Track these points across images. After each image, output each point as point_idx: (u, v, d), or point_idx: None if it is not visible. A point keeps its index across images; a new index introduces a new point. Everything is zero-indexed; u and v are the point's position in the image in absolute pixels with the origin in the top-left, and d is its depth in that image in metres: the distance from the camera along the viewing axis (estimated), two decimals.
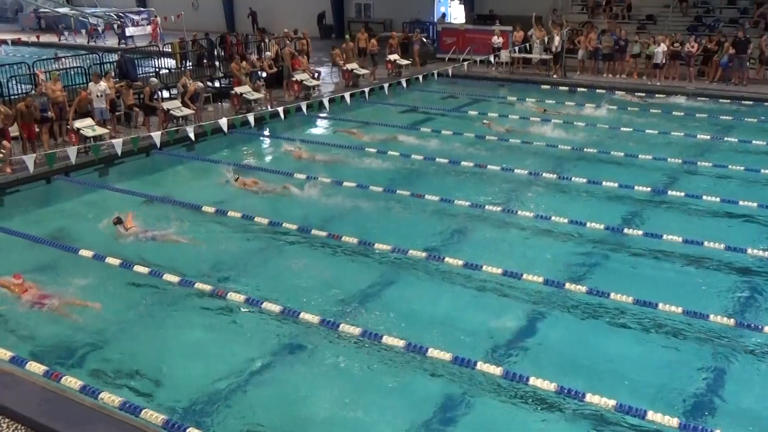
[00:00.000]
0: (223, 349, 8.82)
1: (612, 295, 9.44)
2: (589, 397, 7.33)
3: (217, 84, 22.64)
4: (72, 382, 7.66)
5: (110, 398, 7.36)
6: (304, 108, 17.71)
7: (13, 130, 15.47)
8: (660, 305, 9.15)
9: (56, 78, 17.24)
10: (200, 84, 19.58)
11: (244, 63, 21.29)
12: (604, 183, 14.05)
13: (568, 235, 11.90)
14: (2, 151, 14.39)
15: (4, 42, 35.25)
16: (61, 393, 7.43)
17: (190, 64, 24.58)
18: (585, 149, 16.75)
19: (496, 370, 7.87)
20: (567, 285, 9.85)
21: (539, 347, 8.78)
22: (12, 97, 17.56)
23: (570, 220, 12.09)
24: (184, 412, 7.50)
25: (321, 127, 19.70)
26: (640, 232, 11.64)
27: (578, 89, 23.93)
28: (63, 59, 22.83)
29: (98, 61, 21.52)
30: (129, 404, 7.26)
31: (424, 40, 28.82)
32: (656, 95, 22.77)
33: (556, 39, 25.09)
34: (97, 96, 16.70)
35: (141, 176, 15.33)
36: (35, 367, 7.97)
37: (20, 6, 45.86)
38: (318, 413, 7.59)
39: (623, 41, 24.70)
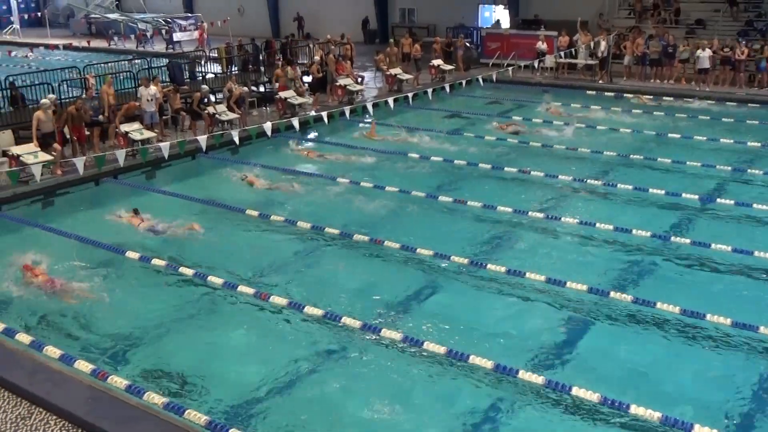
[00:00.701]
0: (265, 351, 8.91)
1: (658, 304, 9.29)
2: (634, 409, 7.20)
3: (261, 88, 22.88)
4: (118, 381, 7.80)
5: (155, 398, 7.47)
6: (347, 113, 17.80)
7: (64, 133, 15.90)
8: (708, 316, 8.98)
9: (110, 82, 17.65)
10: (245, 88, 19.83)
11: (288, 68, 21.50)
12: (650, 190, 13.84)
13: (614, 243, 11.74)
14: (53, 153, 14.76)
15: (56, 47, 36.16)
16: (107, 392, 7.57)
17: (236, 68, 24.92)
18: (631, 155, 16.51)
19: (538, 379, 7.80)
20: (612, 293, 9.70)
21: (582, 356, 8.67)
22: (63, 100, 17.99)
23: (615, 228, 11.92)
24: (226, 413, 7.58)
25: (363, 131, 19.76)
26: (688, 241, 11.44)
27: (624, 95, 23.59)
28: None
29: (147, 66, 21.97)
30: (173, 404, 7.36)
31: (468, 45, 28.71)
32: (705, 101, 22.34)
33: (602, 44, 24.80)
34: (147, 100, 17.08)
35: (187, 179, 15.59)
36: (83, 366, 8.11)
37: (72, 12, 47.06)
38: (358, 417, 7.61)
39: (671, 46, 24.28)
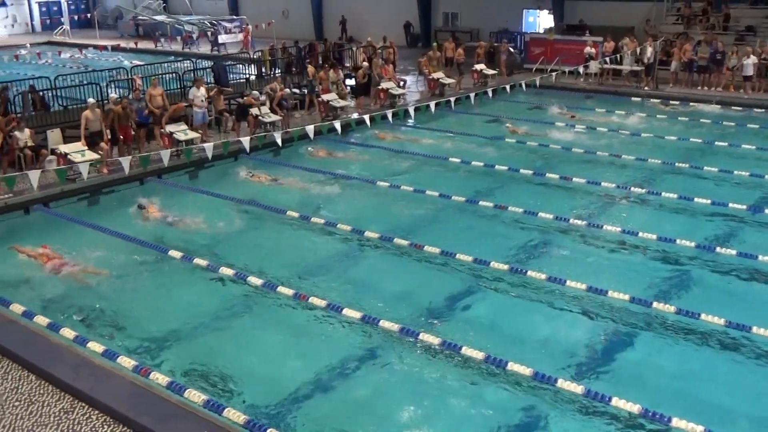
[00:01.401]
0: (302, 352, 8.97)
1: (702, 315, 9.13)
2: (676, 422, 7.09)
3: (305, 91, 23.05)
4: (159, 378, 7.92)
5: (195, 395, 7.57)
6: (389, 116, 17.85)
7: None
8: (754, 328, 8.80)
9: (155, 83, 18.00)
10: (287, 90, 20.00)
11: (331, 71, 21.64)
12: (695, 199, 13.60)
13: (657, 252, 11.57)
14: (100, 152, 15.08)
15: (104, 48, 36.98)
16: (148, 388, 7.71)
17: (279, 70, 25.16)
18: (676, 163, 16.25)
19: (578, 388, 7.72)
20: (655, 304, 9.56)
21: (623, 366, 8.57)
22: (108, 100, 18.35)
23: (659, 237, 11.75)
24: (264, 412, 7.65)
25: (405, 135, 19.82)
26: (734, 252, 11.21)
27: (670, 102, 23.24)
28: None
29: (192, 68, 22.31)
30: (212, 402, 7.45)
31: (511, 50, 28.58)
32: (755, 109, 21.88)
33: (649, 50, 24.45)
34: (201, 101, 17.45)
35: (229, 179, 15.77)
36: (125, 362, 8.28)
37: (120, 14, 48.05)
38: (394, 421, 7.62)
39: (720, 53, 23.83)
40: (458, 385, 8.16)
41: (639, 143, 18.40)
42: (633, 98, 23.85)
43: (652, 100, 23.55)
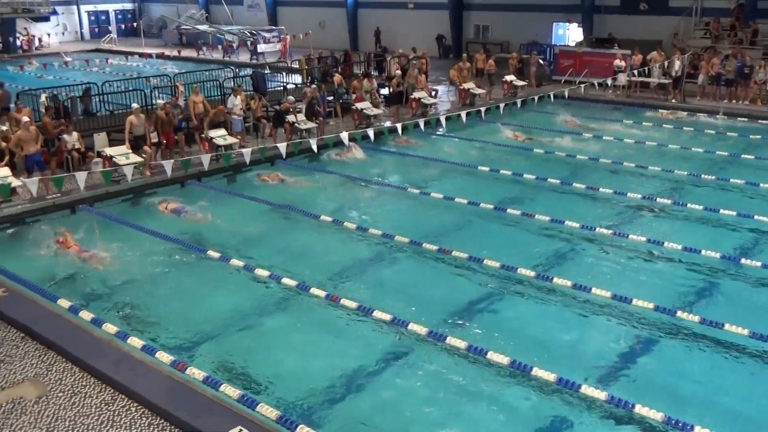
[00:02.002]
0: (334, 352, 9.18)
1: (726, 326, 9.17)
2: (699, 431, 7.13)
3: (330, 98, 23.41)
4: (196, 372, 8.19)
5: (230, 390, 7.82)
6: (421, 125, 18.12)
7: (154, 137, 16.74)
8: None
9: (197, 90, 18.52)
10: (317, 93, 20.31)
11: (365, 80, 22.02)
12: (721, 210, 13.63)
13: (682, 262, 11.63)
14: (143, 155, 15.58)
15: (149, 55, 37.84)
16: (185, 383, 7.96)
17: (316, 79, 25.60)
18: (702, 175, 16.23)
19: (601, 395, 7.80)
20: (679, 313, 9.64)
21: (646, 374, 8.64)
22: (154, 106, 18.90)
23: (684, 247, 11.80)
24: (295, 409, 7.85)
25: (436, 143, 20.07)
26: (758, 264, 11.23)
27: (697, 114, 23.18)
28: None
29: (232, 75, 22.85)
30: (246, 397, 7.69)
31: (541, 62, 28.73)
32: None
33: (677, 63, 24.39)
34: (241, 108, 18.03)
35: (266, 184, 16.12)
36: (164, 357, 8.56)
37: (164, 23, 49.11)
38: (421, 421, 7.78)
39: (748, 67, 23.71)
40: (483, 388, 8.28)
41: (665, 154, 18.39)
42: (660, 110, 23.78)
43: (679, 112, 23.49)
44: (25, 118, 15.33)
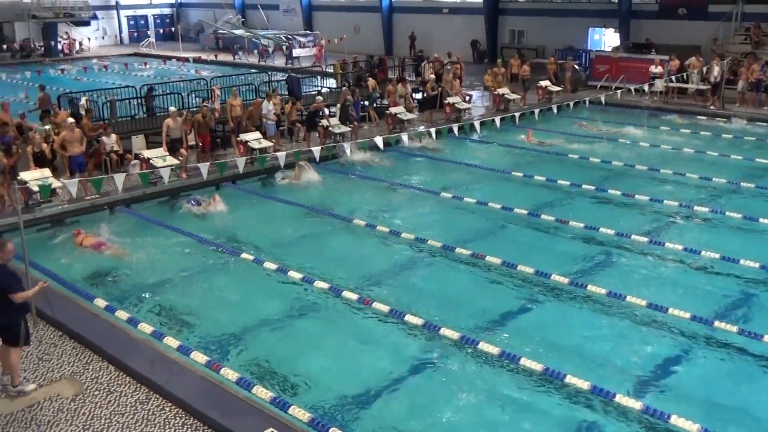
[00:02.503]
0: (365, 355, 9.22)
1: (765, 337, 9.01)
2: None
3: (366, 103, 23.49)
4: (230, 373, 8.26)
5: (262, 392, 7.88)
6: (455, 129, 18.10)
7: (190, 139, 16.98)
8: None
9: (235, 94, 18.71)
10: (350, 96, 20.42)
11: (399, 85, 22.05)
12: (760, 219, 13.38)
13: (720, 272, 11.45)
14: (179, 158, 15.79)
15: (186, 60, 38.33)
16: (218, 384, 8.03)
17: (350, 84, 25.70)
18: (741, 183, 15.97)
19: (636, 404, 7.73)
20: (716, 323, 9.50)
21: (682, 385, 8.54)
22: (191, 109, 19.11)
23: (722, 256, 11.62)
24: (326, 411, 7.88)
25: (470, 148, 20.02)
26: None
27: (736, 121, 22.80)
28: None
29: (267, 80, 23.05)
30: (278, 399, 7.75)
31: (576, 67, 28.49)
32: None
33: (716, 69, 24.00)
34: (275, 114, 18.25)
35: (299, 187, 16.22)
36: (198, 357, 8.66)
37: (202, 28, 49.76)
38: (450, 427, 7.76)
39: None
40: (515, 395, 8.25)
41: (703, 161, 18.13)
42: (698, 117, 23.44)
43: (717, 119, 23.12)
44: (70, 120, 15.64)
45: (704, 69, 24.50)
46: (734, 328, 9.35)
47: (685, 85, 25.15)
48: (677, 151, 19.15)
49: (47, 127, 16.08)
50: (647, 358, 9.08)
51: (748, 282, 11.11)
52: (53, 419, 7.60)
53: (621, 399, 7.82)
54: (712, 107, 24.13)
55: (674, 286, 11.11)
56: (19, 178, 13.09)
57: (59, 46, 45.43)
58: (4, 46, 44.52)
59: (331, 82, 26.86)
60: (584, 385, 8.05)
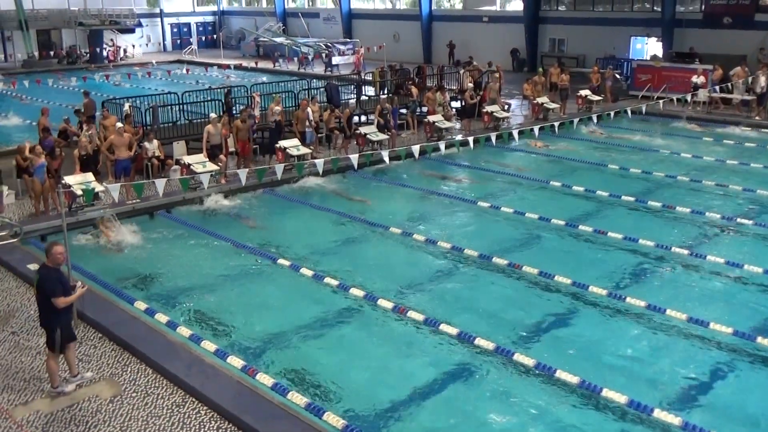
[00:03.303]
0: (399, 363, 9.18)
1: None
2: None
3: (404, 111, 23.49)
4: (265, 379, 8.34)
5: (297, 398, 7.93)
6: (493, 138, 18.02)
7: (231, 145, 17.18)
8: None
9: (278, 100, 18.91)
10: (387, 105, 20.47)
11: (438, 93, 22.04)
12: None
13: (763, 285, 11.18)
14: (219, 164, 15.98)
15: (227, 66, 38.85)
16: (254, 388, 8.10)
17: (389, 92, 25.78)
18: None
19: (675, 420, 7.60)
20: (759, 338, 9.29)
21: (723, 401, 8.36)
22: (231, 115, 19.37)
23: (765, 270, 11.37)
24: (360, 419, 7.87)
25: (508, 157, 19.92)
26: None
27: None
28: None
29: (307, 87, 23.24)
30: (313, 406, 7.78)
31: (617, 76, 28.15)
32: None
33: (762, 79, 23.48)
34: (313, 121, 18.39)
35: (336, 195, 16.34)
36: (235, 361, 8.75)
37: (243, 35, 50.47)
38: None
39: None
40: (551, 408, 8.16)
41: (747, 173, 17.76)
42: (743, 128, 22.94)
43: (762, 129, 22.63)
44: (119, 124, 15.96)
45: (749, 79, 24.01)
46: None
47: (729, 96, 24.67)
48: (719, 162, 18.80)
49: (93, 131, 16.39)
50: (688, 373, 8.90)
51: None
52: (92, 420, 7.73)
53: (659, 413, 7.70)
54: (757, 117, 23.61)
55: (716, 300, 10.89)
56: (63, 181, 13.36)
57: (104, 53, 46.39)
58: (51, 53, 45.62)
59: (370, 90, 26.95)
60: (621, 398, 7.94)
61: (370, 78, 27.65)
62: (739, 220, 14.04)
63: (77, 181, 13.82)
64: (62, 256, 8.10)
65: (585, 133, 22.24)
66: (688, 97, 23.85)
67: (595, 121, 21.46)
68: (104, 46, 46.73)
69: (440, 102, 21.82)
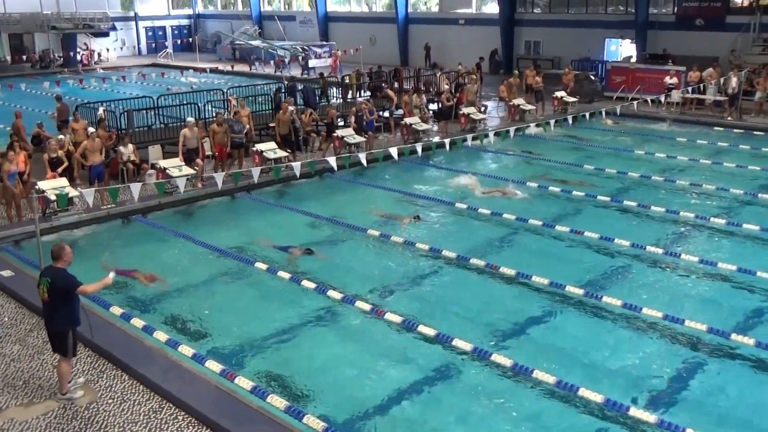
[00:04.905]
0: (378, 366, 9.17)
1: None
2: None
3: (387, 114, 23.57)
4: (243, 382, 8.28)
5: (277, 401, 7.88)
6: (469, 140, 18.10)
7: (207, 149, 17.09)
8: None
9: (242, 104, 18.84)
10: (363, 105, 20.47)
11: (415, 96, 22.10)
12: None
13: (736, 283, 11.33)
14: (195, 167, 15.89)
15: (203, 70, 38.63)
16: (232, 393, 8.04)
17: (366, 94, 25.80)
18: (759, 194, 15.80)
19: (651, 418, 7.66)
20: (733, 335, 9.39)
21: (697, 398, 8.43)
22: (207, 119, 19.27)
23: (739, 268, 11.51)
24: (340, 421, 7.86)
25: (484, 159, 20.02)
26: None
27: (754, 132, 22.63)
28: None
29: (283, 90, 23.16)
30: (293, 408, 7.74)
31: (592, 78, 28.40)
32: None
33: (733, 80, 23.86)
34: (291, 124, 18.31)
35: (314, 197, 16.29)
36: (213, 365, 8.68)
37: (219, 38, 50.21)
38: None
39: None
40: (527, 407, 8.19)
41: (720, 173, 17.99)
42: (715, 128, 23.29)
43: (734, 130, 22.96)
44: (91, 129, 15.79)
45: (722, 80, 24.37)
46: (752, 341, 9.24)
47: (702, 96, 25.02)
48: (690, 162, 19.03)
49: (67, 137, 16.22)
50: (663, 370, 8.98)
51: (765, 294, 10.97)
52: (67, 427, 7.62)
53: (635, 412, 7.75)
54: (729, 118, 23.96)
55: (691, 298, 11.02)
56: (36, 187, 13.20)
57: (78, 57, 45.93)
58: (24, 57, 45.08)
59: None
60: (597, 397, 7.98)
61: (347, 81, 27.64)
62: (712, 219, 14.20)
63: (51, 186, 13.66)
64: (71, 255, 8.11)
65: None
66: (662, 98, 24.13)
67: (570, 122, 21.64)
68: (78, 50, 46.22)
69: (417, 104, 21.87)
